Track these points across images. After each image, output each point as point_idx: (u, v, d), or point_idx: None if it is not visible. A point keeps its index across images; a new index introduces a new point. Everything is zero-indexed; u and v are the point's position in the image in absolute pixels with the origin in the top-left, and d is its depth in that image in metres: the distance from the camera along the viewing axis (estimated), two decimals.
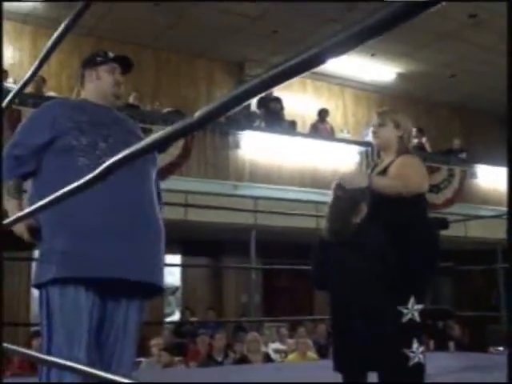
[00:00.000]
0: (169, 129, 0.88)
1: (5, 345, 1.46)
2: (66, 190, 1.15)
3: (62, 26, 1.29)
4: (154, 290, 2.54)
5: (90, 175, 1.07)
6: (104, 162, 1.03)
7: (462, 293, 12.15)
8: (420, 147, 11.91)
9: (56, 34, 1.33)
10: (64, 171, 2.35)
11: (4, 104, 1.59)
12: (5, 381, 4.49)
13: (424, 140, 12.09)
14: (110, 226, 2.36)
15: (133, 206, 2.44)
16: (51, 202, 1.24)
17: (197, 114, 0.81)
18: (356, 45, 0.64)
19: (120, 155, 0.99)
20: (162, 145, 0.93)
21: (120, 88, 2.76)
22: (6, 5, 9.82)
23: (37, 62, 1.43)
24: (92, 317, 2.32)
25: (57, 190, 1.18)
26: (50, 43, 1.35)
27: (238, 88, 0.75)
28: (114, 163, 1.01)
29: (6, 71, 9.34)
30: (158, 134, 0.90)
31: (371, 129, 3.32)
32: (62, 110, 2.60)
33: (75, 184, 1.11)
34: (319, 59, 0.66)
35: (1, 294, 2.15)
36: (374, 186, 2.89)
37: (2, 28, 2.30)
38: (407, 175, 3.00)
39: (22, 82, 1.53)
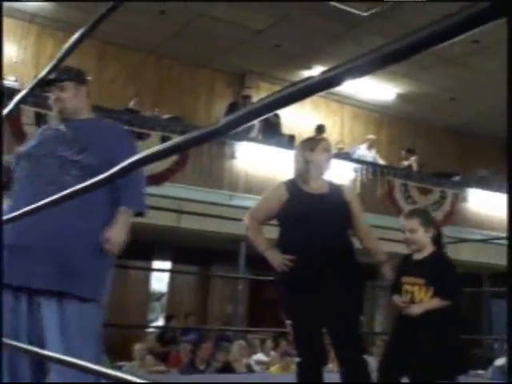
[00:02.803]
0: (192, 133, 0.89)
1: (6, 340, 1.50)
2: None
3: (81, 30, 1.31)
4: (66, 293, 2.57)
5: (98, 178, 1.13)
6: None
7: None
8: (408, 167, 12.03)
9: (73, 39, 1.34)
10: None
11: (6, 112, 1.60)
12: None
13: (413, 160, 12.17)
14: (9, 239, 2.40)
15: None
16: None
17: (222, 122, 0.85)
18: (374, 70, 0.68)
19: (136, 157, 1.03)
20: (181, 149, 0.97)
21: (60, 103, 2.82)
22: (13, 4, 9.90)
23: (48, 67, 1.44)
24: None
25: None
26: (66, 47, 1.37)
27: (260, 101, 0.79)
28: (131, 164, 1.05)
29: None
30: (182, 137, 0.92)
31: (330, 154, 3.39)
32: None
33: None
34: (336, 81, 0.70)
35: (0, 296, 2.21)
36: None
37: (2, 28, 2.36)
38: None
39: (29, 87, 1.54)
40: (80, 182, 2.55)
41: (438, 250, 3.14)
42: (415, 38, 0.62)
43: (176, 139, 0.93)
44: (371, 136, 12.31)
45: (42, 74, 1.47)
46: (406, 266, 3.15)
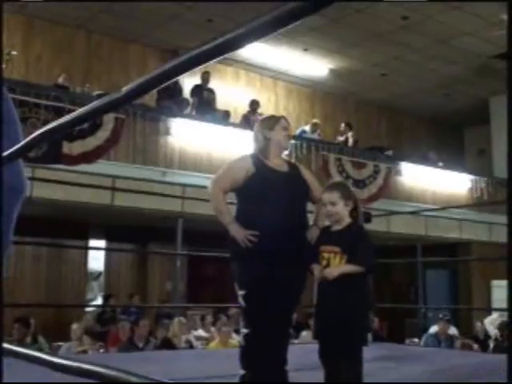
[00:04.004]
0: (96, 102, 0.88)
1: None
2: None
3: None
4: None
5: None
6: None
7: (382, 286, 12.46)
8: (344, 141, 12.18)
9: None
10: None
11: None
12: None
13: (349, 135, 12.34)
14: None
15: None
16: None
17: (124, 89, 0.82)
18: (267, 33, 0.67)
19: (49, 126, 0.99)
20: (86, 120, 0.94)
21: None
22: None
23: None
24: None
25: None
26: None
27: (163, 66, 0.77)
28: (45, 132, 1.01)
29: None
30: (85, 108, 0.90)
31: (288, 132, 3.47)
32: None
33: None
34: (235, 44, 0.69)
35: (1, 291, 2.11)
36: None
37: (2, 28, 2.23)
38: None
39: None
40: None
41: (355, 222, 3.25)
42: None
43: (82, 108, 0.91)
44: (315, 120, 12.41)
45: None
46: (325, 235, 3.26)
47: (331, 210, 3.21)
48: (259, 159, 3.34)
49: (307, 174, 3.50)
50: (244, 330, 3.20)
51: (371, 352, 4.67)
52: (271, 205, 3.19)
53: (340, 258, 3.11)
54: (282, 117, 3.62)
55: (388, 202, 11.02)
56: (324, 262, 3.15)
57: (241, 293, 3.21)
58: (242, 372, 3.14)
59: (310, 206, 3.46)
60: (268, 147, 3.37)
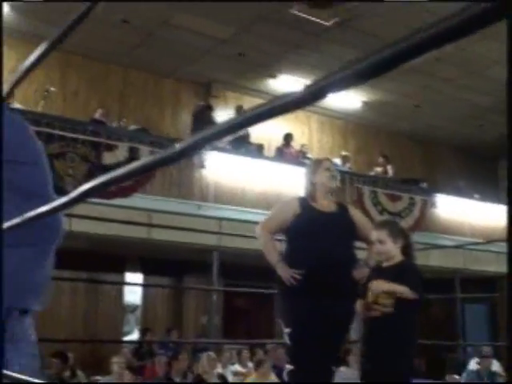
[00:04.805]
0: (150, 158, 0.86)
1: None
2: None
3: (50, 40, 1.21)
4: None
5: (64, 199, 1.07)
6: None
7: (420, 321, 12.18)
8: (384, 173, 12.12)
9: (41, 49, 1.24)
10: None
11: None
12: None
13: (389, 167, 12.30)
14: None
15: None
16: None
17: (178, 146, 0.81)
18: (358, 83, 0.65)
19: (97, 181, 0.99)
20: (140, 173, 0.92)
21: None
22: None
23: (14, 78, 1.37)
24: None
25: None
26: (32, 59, 1.27)
27: (239, 116, 0.75)
28: (91, 188, 1.01)
29: None
30: (139, 162, 0.89)
31: (332, 172, 3.56)
32: None
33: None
34: (321, 94, 0.67)
35: (1, 291, 2.11)
36: None
37: (2, 29, 2.27)
38: None
39: None
40: None
41: (407, 259, 3.24)
42: (401, 47, 0.61)
43: (145, 159, 0.90)
44: (345, 153, 12.41)
45: (8, 87, 1.41)
46: (375, 272, 3.28)
47: (380, 248, 3.24)
48: (306, 201, 3.47)
49: (356, 214, 3.60)
50: (288, 367, 3.23)
51: None
52: (315, 244, 3.29)
53: (388, 295, 3.11)
54: (326, 159, 3.77)
55: (424, 234, 10.88)
56: (372, 298, 3.14)
57: (286, 330, 3.23)
58: None
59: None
60: (314, 191, 3.50)
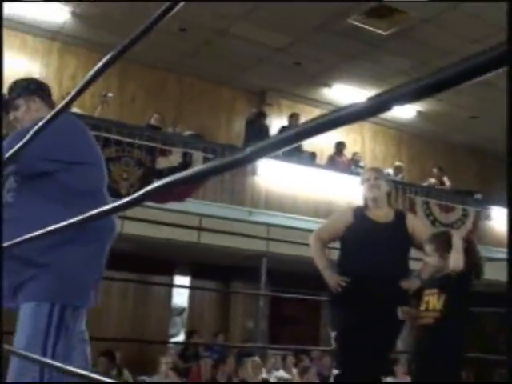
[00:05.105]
0: (217, 161, 0.88)
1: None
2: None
3: (116, 49, 1.29)
4: None
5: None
6: None
7: (469, 334, 11.98)
8: (441, 184, 11.97)
9: (107, 57, 1.31)
10: None
11: None
12: None
13: (445, 178, 12.14)
14: None
15: None
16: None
17: (249, 149, 0.83)
18: (423, 97, 0.68)
19: (160, 182, 1.04)
20: (207, 176, 0.96)
21: (16, 122, 2.81)
22: (37, 21, 10.07)
23: (76, 89, 1.44)
24: None
25: None
26: (97, 67, 1.35)
27: (303, 124, 0.76)
28: (152, 189, 1.07)
29: None
30: (206, 165, 0.92)
31: (370, 182, 3.48)
32: None
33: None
34: (385, 106, 0.70)
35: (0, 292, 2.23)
36: None
37: (2, 29, 2.39)
38: None
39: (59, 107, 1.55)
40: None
41: (464, 270, 3.18)
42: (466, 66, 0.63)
43: (201, 166, 0.93)
44: (398, 163, 12.33)
45: (70, 96, 1.47)
46: (429, 281, 3.34)
47: (429, 261, 3.29)
48: (362, 211, 3.55)
49: (414, 223, 3.60)
50: (335, 371, 3.31)
51: None
52: (364, 254, 3.37)
53: (438, 297, 3.15)
54: (368, 169, 3.95)
55: (480, 247, 10.69)
56: (424, 306, 3.19)
57: (333, 334, 3.31)
58: None
59: None
60: (366, 201, 3.60)
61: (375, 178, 3.54)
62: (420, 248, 3.50)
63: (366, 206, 3.54)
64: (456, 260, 3.11)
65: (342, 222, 3.51)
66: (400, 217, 3.56)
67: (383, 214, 3.51)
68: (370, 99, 0.69)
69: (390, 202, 3.57)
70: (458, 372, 3.20)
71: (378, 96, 0.69)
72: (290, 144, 0.79)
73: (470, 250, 3.24)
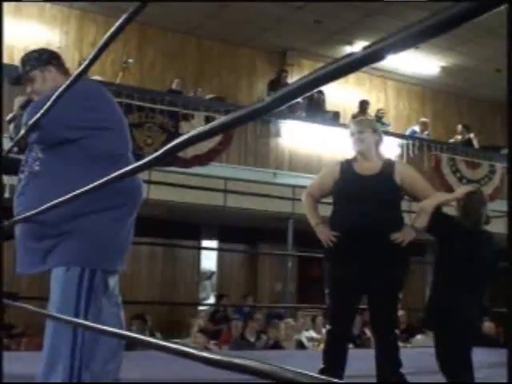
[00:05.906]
0: (237, 112, 0.89)
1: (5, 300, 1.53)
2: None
3: (124, 16, 1.28)
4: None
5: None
6: None
7: (497, 290, 11.98)
8: (468, 143, 11.79)
9: (116, 25, 1.31)
10: None
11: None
12: None
13: (472, 135, 11.96)
14: None
15: None
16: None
17: (267, 99, 0.84)
18: (416, 43, 0.67)
19: (185, 137, 1.04)
20: (228, 128, 0.96)
21: (35, 95, 2.79)
22: None
23: (92, 55, 1.45)
24: None
25: None
26: (108, 34, 1.36)
27: (302, 78, 0.78)
28: (173, 146, 1.06)
29: None
30: (226, 116, 0.92)
31: (354, 136, 3.46)
32: None
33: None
34: (379, 55, 0.70)
35: (1, 281, 2.25)
36: None
37: (3, 28, 2.38)
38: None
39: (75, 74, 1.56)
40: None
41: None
42: (452, 12, 0.62)
43: (222, 118, 0.93)
44: (424, 119, 12.16)
45: (88, 60, 1.48)
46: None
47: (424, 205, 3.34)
48: (349, 165, 3.47)
49: (404, 173, 3.46)
50: (328, 327, 3.46)
51: (488, 358, 4.55)
52: (350, 207, 3.33)
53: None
54: (350, 122, 3.92)
55: (505, 203, 10.60)
56: None
57: (326, 291, 3.42)
58: (322, 366, 3.34)
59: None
60: (355, 154, 3.53)
61: (358, 132, 3.44)
62: (414, 197, 3.46)
63: (354, 159, 3.48)
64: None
65: (330, 177, 3.47)
66: (387, 167, 3.44)
67: (370, 166, 3.42)
68: (364, 48, 0.71)
69: (378, 153, 3.47)
70: (476, 322, 3.20)
71: (372, 45, 0.71)
72: (307, 91, 0.80)
73: (467, 203, 3.19)
